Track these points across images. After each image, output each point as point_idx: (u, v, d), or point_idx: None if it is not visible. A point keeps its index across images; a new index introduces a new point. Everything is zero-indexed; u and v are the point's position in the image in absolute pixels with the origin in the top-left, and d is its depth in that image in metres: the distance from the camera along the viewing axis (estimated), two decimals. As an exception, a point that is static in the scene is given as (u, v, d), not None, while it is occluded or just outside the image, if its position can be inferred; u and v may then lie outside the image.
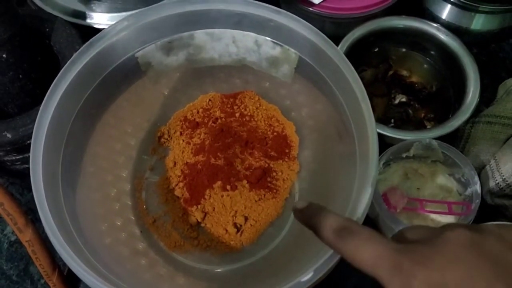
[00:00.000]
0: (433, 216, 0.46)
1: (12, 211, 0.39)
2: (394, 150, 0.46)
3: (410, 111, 0.54)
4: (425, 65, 0.57)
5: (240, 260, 0.45)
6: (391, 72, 0.57)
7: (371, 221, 0.47)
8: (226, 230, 0.45)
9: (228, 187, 0.46)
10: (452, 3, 0.55)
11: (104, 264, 0.35)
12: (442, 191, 0.47)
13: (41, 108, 0.36)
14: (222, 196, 0.45)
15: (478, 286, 0.21)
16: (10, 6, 0.41)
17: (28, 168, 0.34)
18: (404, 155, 0.48)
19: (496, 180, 0.46)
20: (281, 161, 0.48)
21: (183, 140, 0.49)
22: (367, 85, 0.52)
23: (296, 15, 0.40)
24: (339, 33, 0.53)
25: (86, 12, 0.52)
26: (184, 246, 0.45)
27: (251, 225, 0.45)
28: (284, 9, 0.40)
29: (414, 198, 0.47)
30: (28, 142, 0.37)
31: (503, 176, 0.45)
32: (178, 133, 0.49)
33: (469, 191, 0.46)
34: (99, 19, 0.51)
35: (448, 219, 0.46)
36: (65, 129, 0.38)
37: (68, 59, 0.38)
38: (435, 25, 0.54)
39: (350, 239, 0.25)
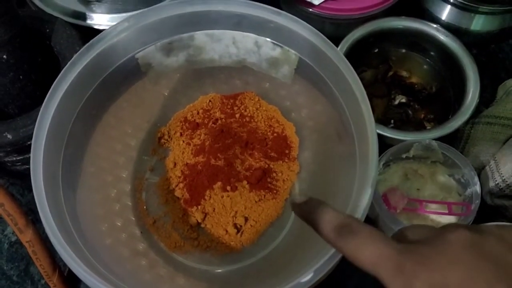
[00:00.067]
0: (433, 216, 0.46)
1: (13, 212, 0.39)
2: (394, 151, 0.46)
3: (410, 111, 0.54)
4: (425, 66, 0.57)
5: (240, 260, 0.45)
6: (391, 73, 0.57)
7: (371, 222, 0.47)
8: (226, 231, 0.45)
9: (228, 187, 0.46)
10: (451, 4, 0.55)
11: (104, 265, 0.35)
12: (442, 192, 0.47)
13: (41, 109, 0.36)
14: (222, 196, 0.45)
15: (478, 287, 0.21)
16: (11, 7, 0.41)
17: (29, 168, 0.34)
18: (404, 156, 0.48)
19: (496, 180, 0.46)
20: (281, 161, 0.48)
21: (183, 141, 0.49)
22: (367, 85, 0.53)
23: (296, 16, 0.40)
24: (339, 34, 0.53)
25: (86, 13, 0.52)
26: (184, 247, 0.45)
27: (251, 225, 0.45)
28: (284, 10, 0.40)
29: (414, 198, 0.47)
30: (29, 143, 0.37)
31: (502, 176, 0.45)
32: (178, 134, 0.49)
33: (469, 191, 0.46)
34: (99, 20, 0.51)
35: (448, 219, 0.46)
36: (65, 130, 0.39)
37: (69, 60, 0.38)
38: (434, 26, 0.54)
39: (351, 237, 0.25)
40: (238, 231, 0.45)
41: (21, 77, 0.44)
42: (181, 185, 0.47)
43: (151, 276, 0.43)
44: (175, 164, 0.48)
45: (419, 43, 0.56)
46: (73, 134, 0.39)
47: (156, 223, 0.46)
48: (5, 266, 0.47)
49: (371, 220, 0.47)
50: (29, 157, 0.35)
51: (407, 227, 0.27)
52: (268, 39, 0.43)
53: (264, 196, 0.46)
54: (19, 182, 0.51)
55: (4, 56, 0.42)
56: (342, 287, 0.46)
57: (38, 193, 0.34)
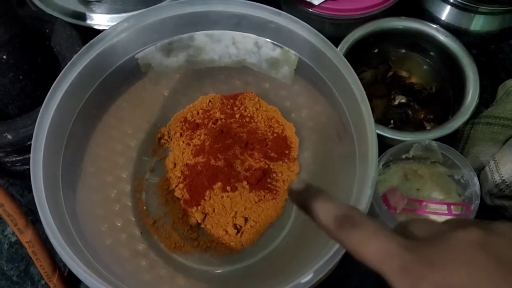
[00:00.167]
0: (432, 217, 0.46)
1: (13, 212, 0.39)
2: (393, 151, 0.46)
3: (409, 112, 0.54)
4: (425, 66, 0.57)
5: (240, 261, 0.45)
6: (390, 73, 0.57)
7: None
8: (226, 231, 0.45)
9: (228, 188, 0.46)
10: (451, 4, 0.55)
11: (104, 265, 0.35)
12: (441, 192, 0.47)
13: (41, 109, 0.36)
14: (222, 197, 0.45)
15: None
16: (11, 7, 0.41)
17: (29, 169, 0.34)
18: (403, 156, 0.48)
19: (496, 181, 0.46)
20: (281, 162, 0.48)
21: (183, 141, 0.49)
22: (366, 86, 0.53)
23: (296, 16, 0.40)
24: (338, 34, 0.53)
25: (86, 13, 0.52)
26: (184, 247, 0.45)
27: (251, 226, 0.45)
28: (284, 11, 0.40)
29: (413, 199, 0.47)
30: (29, 143, 0.37)
31: (502, 177, 0.45)
32: (178, 134, 0.49)
33: (468, 192, 0.46)
34: (99, 20, 0.51)
35: (448, 220, 0.46)
36: (65, 130, 0.39)
37: (68, 60, 0.38)
38: (434, 26, 0.54)
39: (353, 230, 0.23)
40: (238, 232, 0.45)
41: (21, 77, 0.44)
42: (181, 185, 0.47)
43: (151, 277, 0.43)
44: (175, 164, 0.48)
45: (419, 43, 0.56)
46: (73, 134, 0.39)
47: (156, 223, 0.46)
48: (5, 267, 0.47)
49: (371, 220, 0.47)
50: (29, 157, 0.35)
51: (411, 221, 0.25)
52: (268, 39, 0.43)
53: (264, 196, 0.46)
54: (19, 183, 0.51)
55: (4, 57, 0.42)
56: (342, 287, 0.46)
57: (38, 193, 0.34)
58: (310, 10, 0.55)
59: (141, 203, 0.47)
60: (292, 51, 0.42)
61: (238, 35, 0.43)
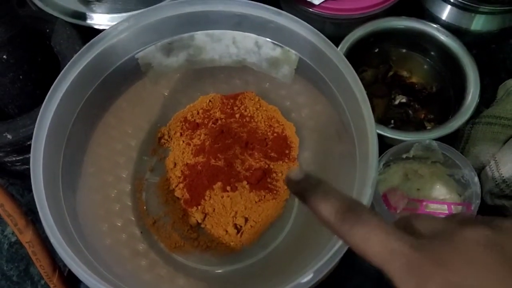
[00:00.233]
0: (433, 217, 0.46)
1: (13, 212, 0.39)
2: (394, 151, 0.46)
3: (410, 111, 0.54)
4: (425, 66, 0.57)
5: (240, 261, 0.45)
6: (391, 73, 0.57)
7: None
8: (226, 231, 0.45)
9: (228, 188, 0.46)
10: (452, 4, 0.55)
11: (104, 265, 0.35)
12: (442, 192, 0.47)
13: (41, 109, 0.36)
14: (222, 197, 0.45)
15: None
16: (11, 7, 0.41)
17: (28, 169, 0.34)
18: (404, 156, 0.48)
19: (496, 181, 0.46)
20: (281, 162, 0.48)
21: (183, 141, 0.49)
22: (367, 85, 0.53)
23: (296, 16, 0.40)
24: (339, 34, 0.53)
25: (86, 13, 0.52)
26: (184, 247, 0.45)
27: (251, 226, 0.45)
28: (285, 10, 0.40)
29: (414, 198, 0.47)
30: (29, 143, 0.37)
31: (503, 176, 0.45)
32: (178, 134, 0.49)
33: (469, 192, 0.46)
34: (100, 20, 0.51)
35: (448, 220, 0.46)
36: (65, 130, 0.39)
37: (69, 60, 0.38)
38: (435, 26, 0.54)
39: (356, 225, 0.22)
40: (238, 232, 0.45)
41: (21, 77, 0.44)
42: (181, 185, 0.47)
43: (151, 277, 0.43)
44: (175, 164, 0.48)
45: (420, 43, 0.56)
46: (73, 134, 0.39)
47: (156, 223, 0.46)
48: (5, 267, 0.47)
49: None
50: (29, 157, 0.35)
51: (413, 217, 0.24)
52: (268, 39, 0.42)
53: (264, 196, 0.46)
54: (18, 182, 0.51)
55: (4, 56, 0.42)
56: (342, 287, 0.46)
57: (38, 193, 0.34)
58: (311, 9, 0.55)
59: (141, 203, 0.47)
60: (293, 51, 0.42)
61: (238, 34, 0.43)
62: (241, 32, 0.43)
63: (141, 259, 0.43)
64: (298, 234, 0.45)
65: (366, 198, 0.32)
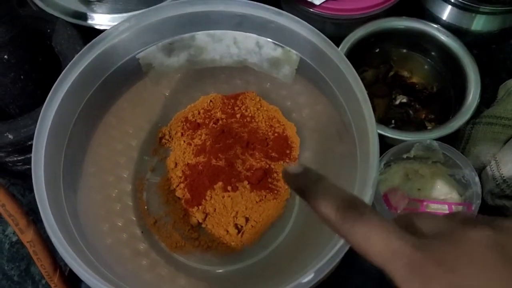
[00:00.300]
0: (433, 217, 0.46)
1: (14, 212, 0.39)
2: (394, 151, 0.46)
3: (410, 111, 0.54)
4: (426, 66, 0.57)
5: (241, 261, 0.45)
6: (392, 73, 0.57)
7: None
8: (227, 231, 0.45)
9: (229, 188, 0.46)
10: (452, 4, 0.55)
11: (105, 265, 0.35)
12: (442, 192, 0.47)
13: (42, 109, 0.36)
14: (223, 197, 0.45)
15: None
16: (11, 7, 0.41)
17: (30, 169, 0.34)
18: (404, 156, 0.48)
19: (497, 181, 0.46)
20: (282, 162, 0.48)
21: (184, 141, 0.49)
22: (368, 85, 0.53)
23: (297, 16, 0.40)
24: (340, 34, 0.53)
25: (87, 13, 0.52)
26: (185, 247, 0.45)
27: (252, 226, 0.45)
28: (285, 10, 0.40)
29: (414, 198, 0.47)
30: (30, 143, 0.37)
31: (503, 177, 0.45)
32: (179, 134, 0.49)
33: (469, 192, 0.46)
34: (100, 20, 0.51)
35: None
36: (66, 130, 0.39)
37: (70, 60, 0.38)
38: (435, 26, 0.54)
39: (357, 223, 0.22)
40: (239, 232, 0.45)
41: (22, 77, 0.44)
42: (182, 185, 0.47)
43: (152, 276, 0.43)
44: (176, 164, 0.48)
45: (420, 43, 0.56)
46: (74, 134, 0.39)
47: (157, 223, 0.46)
48: (6, 266, 0.47)
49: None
50: (30, 157, 0.35)
51: (414, 215, 0.24)
52: (269, 39, 0.43)
53: (265, 196, 0.46)
54: (20, 182, 0.51)
55: (5, 56, 0.42)
56: (343, 287, 0.46)
57: (39, 193, 0.34)
58: (311, 10, 0.55)
59: (142, 202, 0.47)
60: (294, 51, 0.42)
61: (239, 35, 0.43)
62: (242, 32, 0.43)
63: (142, 259, 0.43)
64: (298, 234, 0.45)
65: (367, 198, 0.32)
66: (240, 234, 0.45)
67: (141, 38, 0.41)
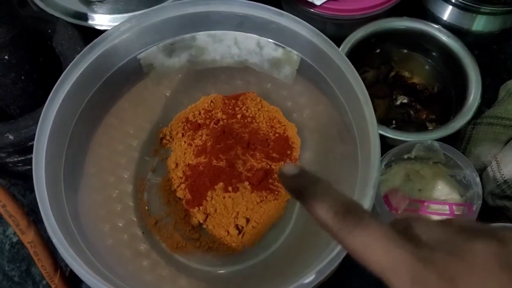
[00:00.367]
0: (434, 217, 0.46)
1: (14, 213, 0.39)
2: (395, 152, 0.46)
3: (411, 112, 0.54)
4: (427, 66, 0.57)
5: (242, 261, 0.45)
6: (392, 73, 0.57)
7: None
8: (228, 232, 0.45)
9: (230, 188, 0.46)
10: (453, 4, 0.55)
11: (106, 265, 0.35)
12: (443, 193, 0.47)
13: (43, 109, 0.36)
14: (224, 197, 0.45)
15: None
16: (12, 7, 0.41)
17: (30, 169, 0.34)
18: (405, 157, 0.48)
19: (498, 181, 0.45)
20: (282, 162, 0.48)
21: (185, 142, 0.49)
22: (368, 86, 0.53)
23: (298, 16, 0.40)
24: (340, 35, 0.53)
25: (88, 14, 0.52)
26: (186, 248, 0.45)
27: (252, 226, 0.45)
28: (286, 11, 0.40)
29: (415, 199, 0.47)
30: (30, 143, 0.37)
31: (504, 177, 0.45)
32: (180, 134, 0.49)
33: (470, 192, 0.46)
34: (101, 20, 0.51)
35: (450, 220, 0.46)
36: (67, 130, 0.39)
37: (70, 61, 0.38)
38: (436, 26, 0.54)
39: (356, 229, 0.21)
40: (239, 232, 0.45)
41: (23, 77, 0.44)
42: (182, 185, 0.47)
43: (152, 277, 0.43)
44: (176, 164, 0.48)
45: (421, 43, 0.56)
46: (75, 134, 0.39)
47: (158, 223, 0.46)
48: (6, 267, 0.47)
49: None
50: (31, 158, 0.35)
51: (412, 221, 0.23)
52: (270, 39, 0.43)
53: (266, 197, 0.46)
54: (20, 183, 0.51)
55: (6, 57, 0.42)
56: (344, 288, 0.46)
57: (40, 193, 0.34)
58: (312, 10, 0.55)
59: (143, 203, 0.47)
60: (294, 51, 0.42)
61: (240, 35, 0.43)
62: (242, 33, 0.43)
63: (142, 259, 0.43)
64: (299, 235, 0.45)
65: (368, 199, 0.32)
66: (241, 235, 0.45)
67: (142, 39, 0.41)
